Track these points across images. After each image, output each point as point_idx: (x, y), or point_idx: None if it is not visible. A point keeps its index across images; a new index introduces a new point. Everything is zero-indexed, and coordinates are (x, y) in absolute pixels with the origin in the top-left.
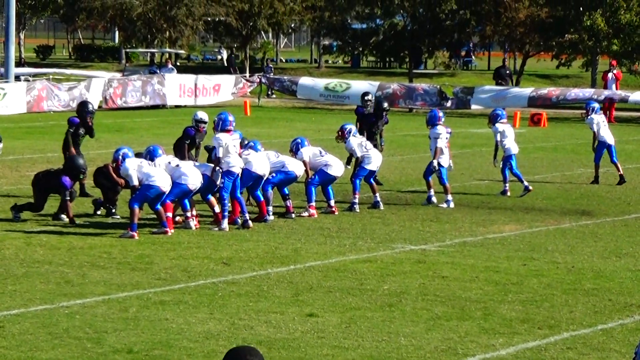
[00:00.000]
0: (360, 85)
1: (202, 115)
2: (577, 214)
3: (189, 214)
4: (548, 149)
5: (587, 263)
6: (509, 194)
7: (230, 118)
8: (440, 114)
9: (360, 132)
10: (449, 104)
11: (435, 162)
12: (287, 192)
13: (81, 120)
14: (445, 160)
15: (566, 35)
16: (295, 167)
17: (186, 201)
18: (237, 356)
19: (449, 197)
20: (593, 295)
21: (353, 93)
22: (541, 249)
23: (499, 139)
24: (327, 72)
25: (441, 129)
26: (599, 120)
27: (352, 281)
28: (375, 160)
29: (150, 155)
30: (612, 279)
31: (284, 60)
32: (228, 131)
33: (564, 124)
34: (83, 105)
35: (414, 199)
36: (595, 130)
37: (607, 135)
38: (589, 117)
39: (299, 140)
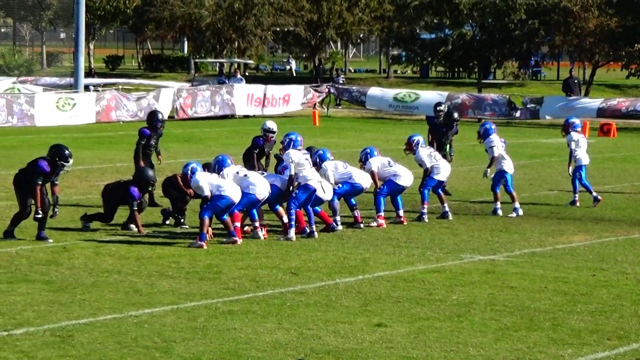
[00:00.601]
0: (429, 95)
1: (271, 124)
2: None
3: (257, 224)
4: (617, 159)
5: None
6: (578, 204)
7: (300, 138)
8: (493, 126)
9: (430, 142)
10: (518, 114)
11: (489, 170)
12: (354, 202)
13: (152, 130)
14: (509, 166)
15: (636, 44)
16: (363, 179)
17: (254, 211)
18: None
19: (517, 204)
20: None
21: (422, 103)
22: (610, 259)
23: (573, 147)
24: (395, 82)
25: (494, 137)
26: None
27: (421, 291)
28: (444, 170)
29: (219, 165)
30: None
31: (352, 71)
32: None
33: (633, 135)
34: (153, 114)
35: (483, 209)
36: None
37: None
38: None
39: (368, 150)
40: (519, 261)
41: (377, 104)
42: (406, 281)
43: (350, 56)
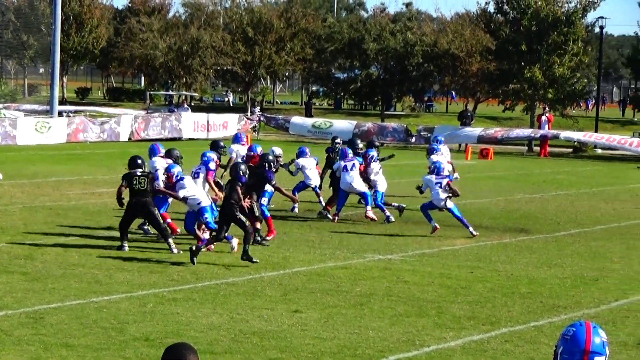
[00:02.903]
0: (341, 123)
1: (278, 150)
2: (516, 231)
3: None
4: (494, 178)
5: (523, 271)
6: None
7: (307, 150)
8: (375, 152)
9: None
10: (413, 140)
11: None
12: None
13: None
14: (382, 185)
15: (510, 85)
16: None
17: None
18: (174, 351)
19: (387, 213)
20: (527, 298)
21: (335, 130)
22: (486, 259)
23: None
24: (314, 113)
25: (373, 164)
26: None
27: (331, 284)
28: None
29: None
30: (544, 285)
31: (279, 102)
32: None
33: (507, 158)
34: (216, 143)
35: (383, 217)
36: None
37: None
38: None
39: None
40: (412, 260)
41: (299, 130)
42: (319, 275)
43: (278, 91)
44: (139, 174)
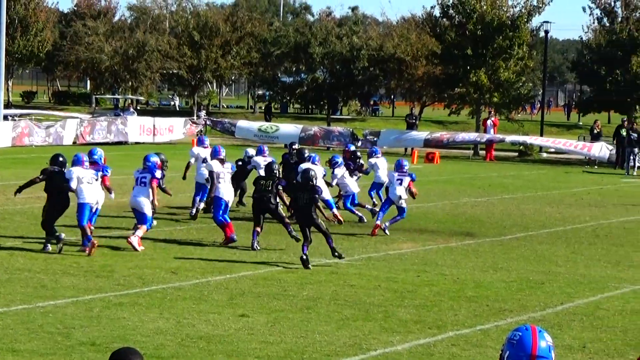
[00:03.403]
0: (287, 127)
1: (252, 151)
2: (462, 235)
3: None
4: (440, 182)
5: (470, 275)
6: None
7: (265, 148)
8: (340, 159)
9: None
10: (359, 143)
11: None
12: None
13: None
14: (353, 187)
15: (456, 89)
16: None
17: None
18: (121, 356)
19: (359, 214)
20: (474, 302)
21: (281, 134)
22: (432, 263)
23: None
24: (260, 117)
25: (337, 170)
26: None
27: (277, 288)
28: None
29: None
30: (490, 289)
31: (225, 106)
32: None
33: (453, 162)
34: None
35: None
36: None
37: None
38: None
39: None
40: (358, 264)
41: (245, 133)
42: (265, 279)
43: (224, 94)
44: (56, 170)
